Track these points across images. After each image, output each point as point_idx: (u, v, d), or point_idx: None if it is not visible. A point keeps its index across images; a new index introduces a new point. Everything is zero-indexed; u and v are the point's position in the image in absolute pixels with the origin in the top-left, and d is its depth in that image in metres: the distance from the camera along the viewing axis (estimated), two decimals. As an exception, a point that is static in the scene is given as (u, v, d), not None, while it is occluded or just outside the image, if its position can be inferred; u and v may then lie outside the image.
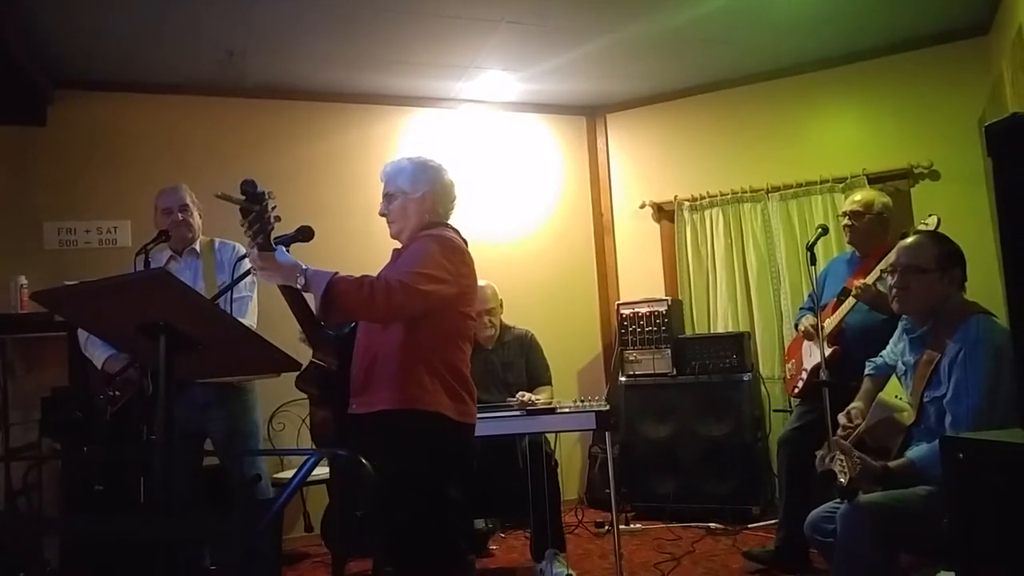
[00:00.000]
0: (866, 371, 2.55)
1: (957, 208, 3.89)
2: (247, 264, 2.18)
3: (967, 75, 4.18)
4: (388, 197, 2.23)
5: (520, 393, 3.29)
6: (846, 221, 3.21)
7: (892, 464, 2.12)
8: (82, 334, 2.86)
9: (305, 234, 2.13)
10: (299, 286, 1.95)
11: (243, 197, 1.86)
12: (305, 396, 2.41)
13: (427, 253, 2.05)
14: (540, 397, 3.32)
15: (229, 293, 2.63)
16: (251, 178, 1.88)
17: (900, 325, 2.41)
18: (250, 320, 2.87)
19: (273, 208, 1.91)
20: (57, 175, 4.10)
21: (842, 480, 2.04)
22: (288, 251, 2.09)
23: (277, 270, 1.94)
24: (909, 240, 2.30)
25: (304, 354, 2.12)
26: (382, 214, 2.24)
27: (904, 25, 4.17)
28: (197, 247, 2.97)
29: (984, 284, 2.35)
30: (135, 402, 2.66)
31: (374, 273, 2.23)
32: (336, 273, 1.95)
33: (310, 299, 2.02)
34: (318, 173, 4.56)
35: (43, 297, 1.76)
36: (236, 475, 2.82)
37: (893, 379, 2.38)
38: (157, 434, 1.65)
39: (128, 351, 2.40)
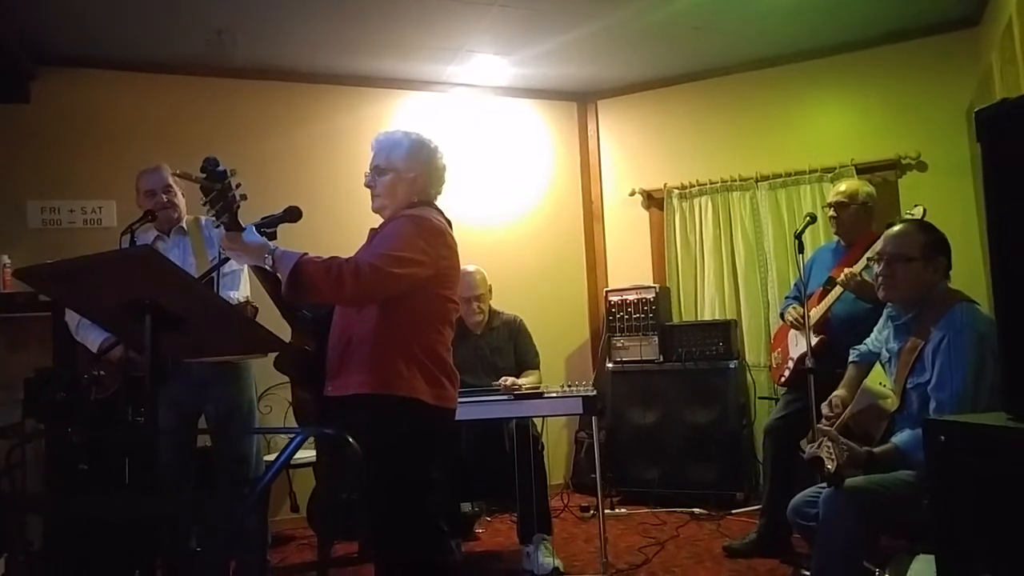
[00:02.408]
0: (850, 358, 2.57)
1: (943, 198, 3.93)
2: None
3: (956, 67, 4.20)
4: (378, 170, 2.15)
5: (504, 377, 3.29)
6: (831, 212, 3.23)
7: (876, 449, 2.15)
8: (72, 318, 2.83)
9: (292, 215, 2.10)
10: (267, 266, 1.90)
11: (203, 175, 1.81)
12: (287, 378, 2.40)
13: (402, 235, 2.00)
14: (525, 381, 3.33)
15: (219, 270, 2.61)
16: (214, 156, 1.82)
17: (885, 312, 2.43)
18: (243, 292, 2.86)
19: (238, 186, 1.84)
20: (41, 154, 4.04)
21: (830, 467, 2.06)
22: (276, 232, 2.07)
23: (244, 250, 1.90)
24: (895, 229, 2.32)
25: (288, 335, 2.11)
26: (368, 185, 2.17)
27: (894, 16, 4.19)
28: (184, 225, 2.95)
29: (969, 274, 2.39)
30: (126, 384, 2.64)
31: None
32: (305, 254, 1.89)
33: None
34: (307, 155, 4.53)
35: (27, 274, 1.74)
36: (227, 454, 2.81)
37: (877, 366, 2.40)
38: (145, 414, 1.64)
39: (113, 331, 2.38)
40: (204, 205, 1.85)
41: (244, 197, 1.88)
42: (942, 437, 1.29)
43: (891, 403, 2.25)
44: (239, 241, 1.89)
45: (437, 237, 2.05)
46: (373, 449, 1.90)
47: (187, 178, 1.81)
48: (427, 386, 2.00)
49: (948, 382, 2.06)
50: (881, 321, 2.47)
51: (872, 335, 2.51)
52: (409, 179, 2.14)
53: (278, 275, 1.92)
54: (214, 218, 1.87)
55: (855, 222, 3.19)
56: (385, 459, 1.95)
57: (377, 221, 2.26)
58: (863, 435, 2.26)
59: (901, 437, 2.14)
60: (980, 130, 1.25)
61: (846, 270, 3.01)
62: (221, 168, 1.81)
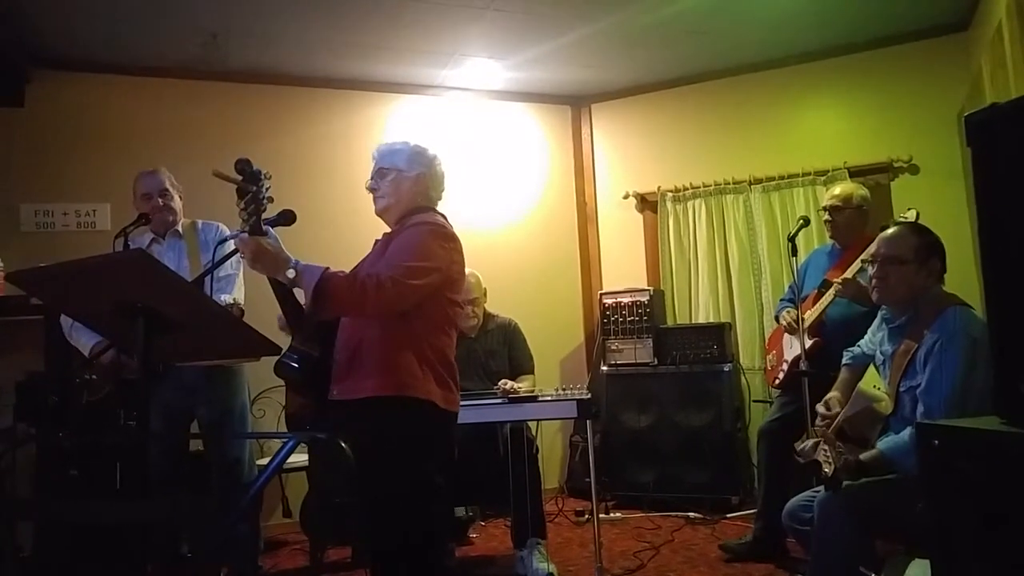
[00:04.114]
0: (843, 360, 2.57)
1: (935, 202, 3.95)
2: (230, 245, 2.15)
3: (947, 71, 4.23)
4: (380, 172, 2.19)
5: (503, 381, 3.29)
6: (826, 216, 3.23)
7: (863, 456, 2.15)
8: (66, 321, 2.82)
9: (287, 218, 2.09)
10: (289, 278, 1.89)
11: (240, 176, 1.81)
12: (283, 382, 2.39)
13: (420, 243, 2.02)
14: (522, 385, 3.33)
15: (212, 274, 2.60)
16: (246, 157, 1.83)
17: (879, 314, 2.44)
18: (237, 296, 2.85)
19: (267, 189, 1.86)
20: (35, 157, 4.03)
21: (827, 471, 2.06)
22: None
23: (267, 254, 1.88)
24: (889, 231, 2.32)
25: (283, 339, 2.09)
26: (371, 189, 2.20)
27: (886, 21, 4.21)
28: (180, 229, 2.95)
29: (961, 276, 2.38)
30: (117, 388, 2.63)
31: (356, 259, 2.21)
32: (327, 268, 1.91)
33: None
34: (301, 158, 4.52)
35: (19, 277, 1.73)
36: (219, 459, 2.80)
37: (872, 369, 2.41)
38: (137, 418, 1.63)
39: (106, 334, 2.37)
40: (238, 205, 1.85)
41: (271, 199, 1.90)
42: (935, 441, 1.29)
43: (885, 406, 2.25)
44: (262, 244, 1.88)
45: (451, 243, 2.09)
46: (385, 452, 1.93)
47: (224, 178, 1.81)
48: (439, 389, 2.02)
49: (937, 387, 2.06)
50: (875, 323, 2.47)
51: (866, 337, 2.51)
52: (412, 177, 2.17)
53: (294, 287, 1.92)
54: (243, 220, 1.87)
55: (850, 225, 3.20)
56: (396, 462, 1.96)
57: (375, 226, 2.26)
58: (858, 438, 2.26)
59: (886, 443, 2.13)
60: (970, 134, 1.25)
61: (839, 276, 3.01)
62: (256, 168, 1.84)
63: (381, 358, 1.98)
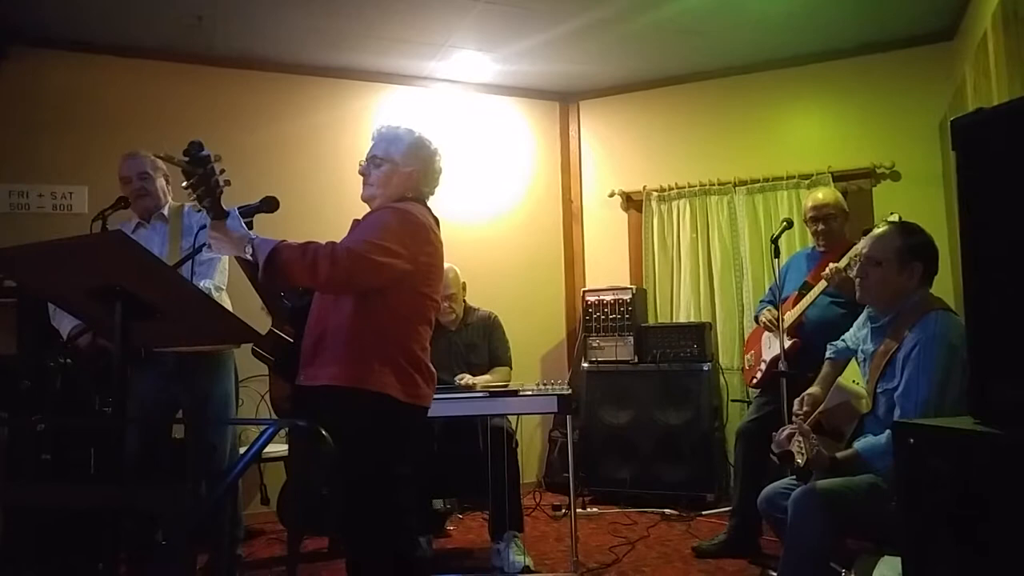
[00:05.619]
0: (827, 354, 2.58)
1: (915, 208, 3.97)
2: None
3: (931, 79, 4.28)
4: (375, 160, 2.14)
5: (459, 376, 3.28)
6: (821, 226, 3.22)
7: (839, 455, 2.17)
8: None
9: (269, 205, 2.07)
10: (248, 256, 1.87)
11: (185, 158, 1.78)
12: (266, 372, 2.37)
13: (383, 225, 1.98)
14: (487, 378, 3.32)
15: (193, 259, 2.56)
16: (199, 140, 1.79)
17: (865, 311, 2.45)
18: (219, 281, 2.81)
19: (221, 172, 1.82)
20: (10, 135, 3.94)
21: (799, 461, 2.09)
22: (252, 221, 2.03)
23: (228, 239, 1.87)
24: (877, 231, 2.32)
25: (264, 325, 2.08)
26: (362, 173, 2.16)
27: (874, 27, 4.25)
28: (166, 212, 2.89)
29: (937, 285, 2.39)
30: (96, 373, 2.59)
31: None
32: (282, 241, 1.88)
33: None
34: (287, 146, 4.48)
35: (-8, 257, 1.70)
36: (195, 445, 2.77)
37: (854, 364, 2.42)
38: (113, 404, 1.61)
39: (83, 318, 2.33)
40: (185, 188, 1.82)
41: (227, 183, 1.86)
42: (911, 440, 1.31)
43: (864, 404, 2.27)
44: (223, 230, 1.86)
45: (420, 232, 2.04)
46: (342, 440, 1.91)
47: (170, 160, 1.79)
48: (398, 383, 1.98)
49: (914, 390, 2.07)
50: (861, 318, 2.47)
51: (851, 331, 2.51)
52: (405, 173, 2.13)
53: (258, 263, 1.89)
54: (196, 202, 1.84)
55: (841, 230, 3.24)
56: (352, 452, 1.92)
57: (360, 213, 2.24)
58: (834, 432, 2.28)
59: (863, 444, 2.15)
60: (955, 138, 1.27)
61: (831, 265, 3.03)
62: (205, 152, 1.79)
63: (341, 348, 1.96)
